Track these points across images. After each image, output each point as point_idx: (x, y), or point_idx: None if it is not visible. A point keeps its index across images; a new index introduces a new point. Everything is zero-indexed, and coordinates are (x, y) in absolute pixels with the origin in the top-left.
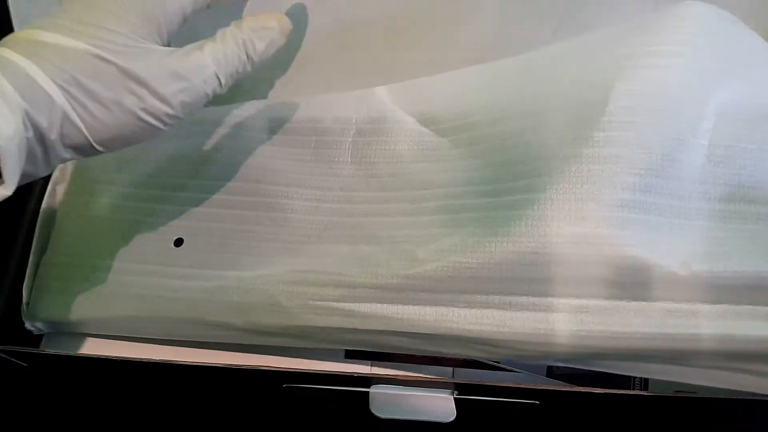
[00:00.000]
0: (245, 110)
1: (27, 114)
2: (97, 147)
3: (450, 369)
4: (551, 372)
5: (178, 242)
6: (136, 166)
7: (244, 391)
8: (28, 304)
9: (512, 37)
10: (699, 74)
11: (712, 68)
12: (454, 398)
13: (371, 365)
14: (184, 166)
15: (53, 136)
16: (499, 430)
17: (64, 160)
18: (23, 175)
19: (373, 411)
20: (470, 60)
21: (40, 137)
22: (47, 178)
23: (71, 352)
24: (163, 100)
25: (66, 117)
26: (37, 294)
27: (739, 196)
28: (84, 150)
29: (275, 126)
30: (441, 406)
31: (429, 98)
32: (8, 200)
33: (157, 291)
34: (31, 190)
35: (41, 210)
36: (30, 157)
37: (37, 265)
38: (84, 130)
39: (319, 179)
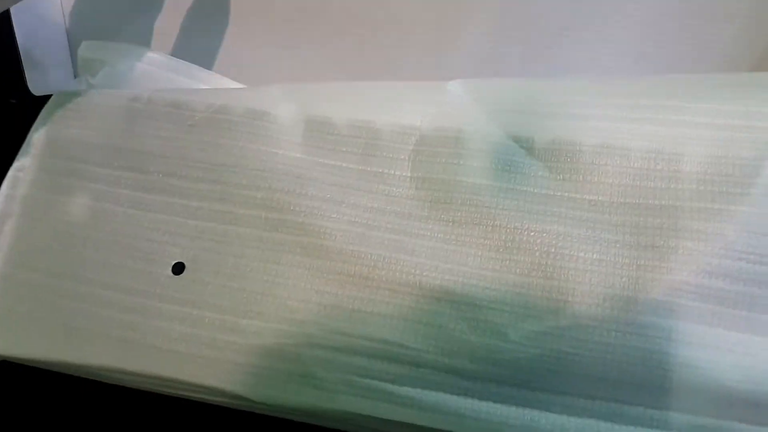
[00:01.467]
0: (266, 95)
1: None
2: None
3: None
4: None
5: (178, 268)
6: (127, 160)
7: None
8: None
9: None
10: None
11: None
12: None
13: None
14: (188, 165)
15: None
16: None
17: None
18: None
19: None
20: (472, 55)
21: None
22: (5, 159)
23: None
24: None
25: None
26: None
27: None
28: None
29: (308, 121)
30: None
31: (521, 106)
32: None
33: (148, 337)
34: None
35: None
36: None
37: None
38: None
39: (368, 198)
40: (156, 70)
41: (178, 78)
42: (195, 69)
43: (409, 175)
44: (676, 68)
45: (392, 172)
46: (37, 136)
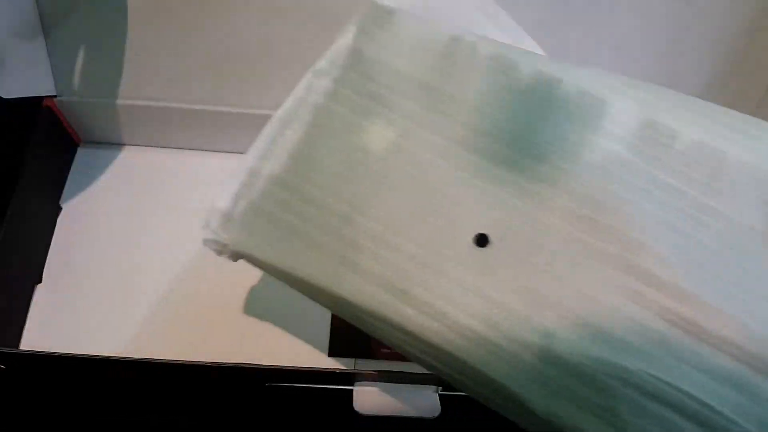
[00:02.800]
0: (605, 82)
1: None
2: None
3: None
4: None
5: (481, 240)
6: (440, 103)
7: (225, 391)
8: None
9: None
10: None
11: None
12: (439, 394)
13: (355, 362)
14: (507, 132)
15: None
16: (485, 426)
17: None
18: None
19: (357, 409)
20: None
21: None
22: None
23: (52, 351)
24: None
25: None
26: (251, 215)
27: None
28: None
29: (647, 125)
30: (425, 402)
31: None
32: None
33: (434, 298)
34: None
35: (289, 104)
36: None
37: (256, 175)
38: None
39: (712, 237)
40: (466, 6)
41: (486, 23)
42: (506, 17)
43: (762, 229)
44: (658, 59)
45: (739, 218)
46: (344, 44)
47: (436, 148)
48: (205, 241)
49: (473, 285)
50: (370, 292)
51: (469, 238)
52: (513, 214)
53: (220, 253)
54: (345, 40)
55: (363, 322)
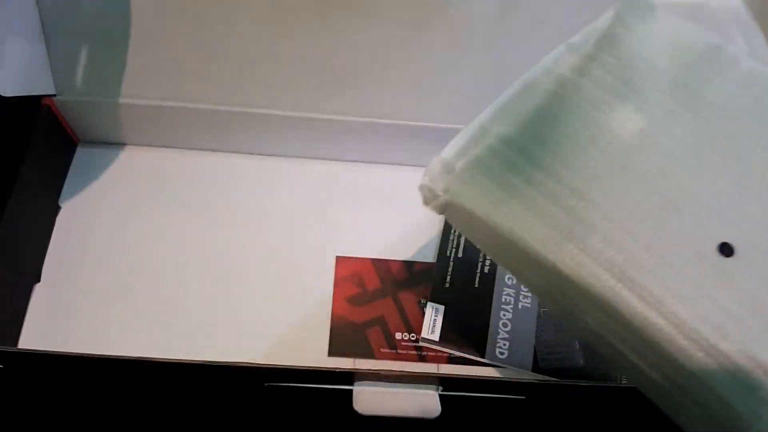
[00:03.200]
0: None
1: None
2: None
3: (435, 365)
4: (537, 367)
5: (726, 249)
6: (686, 98)
7: (224, 390)
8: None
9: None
10: None
11: None
12: (439, 394)
13: (354, 362)
14: (758, 143)
15: None
16: (485, 427)
17: None
18: None
19: (357, 409)
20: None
21: None
22: None
23: (49, 350)
24: None
25: None
26: (474, 168)
27: None
28: None
29: None
30: (426, 402)
31: None
32: None
33: (665, 304)
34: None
35: (534, 72)
36: None
37: (487, 132)
38: None
39: None
40: (719, 14)
41: (736, 34)
42: (757, 32)
43: None
44: None
45: None
46: (600, 27)
47: (686, 144)
48: (420, 187)
49: (710, 291)
50: (593, 272)
51: (713, 243)
52: (764, 230)
53: (427, 202)
54: (601, 23)
55: (570, 303)
